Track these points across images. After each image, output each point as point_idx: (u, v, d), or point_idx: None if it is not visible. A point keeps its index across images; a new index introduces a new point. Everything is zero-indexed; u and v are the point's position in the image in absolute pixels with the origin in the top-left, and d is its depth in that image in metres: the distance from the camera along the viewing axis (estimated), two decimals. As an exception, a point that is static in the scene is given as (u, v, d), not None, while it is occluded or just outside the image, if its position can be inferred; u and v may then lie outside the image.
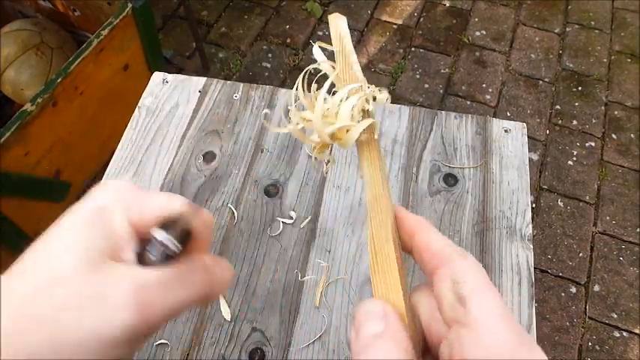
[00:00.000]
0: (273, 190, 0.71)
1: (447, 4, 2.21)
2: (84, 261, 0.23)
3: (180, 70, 1.82)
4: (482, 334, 0.20)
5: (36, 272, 0.24)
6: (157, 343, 0.59)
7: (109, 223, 0.25)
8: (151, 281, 0.23)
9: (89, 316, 0.22)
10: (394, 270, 0.24)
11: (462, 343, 0.21)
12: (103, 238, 0.25)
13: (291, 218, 0.69)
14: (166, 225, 0.25)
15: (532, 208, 1.57)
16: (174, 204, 0.26)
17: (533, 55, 2.06)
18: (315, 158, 0.30)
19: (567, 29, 2.16)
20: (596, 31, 2.15)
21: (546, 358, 0.21)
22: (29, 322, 0.22)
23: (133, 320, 0.22)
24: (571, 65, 2.04)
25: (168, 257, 0.25)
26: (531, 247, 0.67)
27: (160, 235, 0.25)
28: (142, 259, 0.25)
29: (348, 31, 0.32)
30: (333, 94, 0.30)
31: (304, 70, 0.30)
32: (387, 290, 0.24)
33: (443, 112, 0.79)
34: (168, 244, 0.25)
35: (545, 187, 1.72)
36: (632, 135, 1.85)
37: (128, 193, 0.27)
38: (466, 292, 0.21)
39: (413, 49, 2.05)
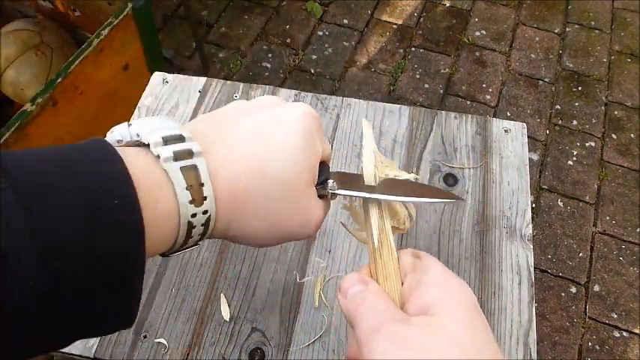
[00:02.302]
0: (273, 190, 0.71)
1: (447, 4, 2.21)
2: (304, 176, 0.32)
3: (180, 70, 1.82)
4: (429, 269, 0.31)
5: (270, 170, 0.31)
6: (157, 342, 0.59)
7: (317, 148, 0.34)
8: (325, 212, 0.36)
9: (297, 224, 0.33)
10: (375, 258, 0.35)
11: (417, 276, 0.31)
12: (314, 162, 0.33)
13: None
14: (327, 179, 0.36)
15: (532, 208, 1.57)
16: (330, 153, 0.38)
17: (533, 55, 2.06)
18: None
19: (567, 29, 2.16)
20: (596, 31, 2.15)
21: (472, 294, 0.29)
22: (260, 215, 0.31)
23: (312, 233, 0.35)
24: (571, 65, 2.04)
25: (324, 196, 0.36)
26: (531, 247, 0.67)
27: (331, 184, 0.36)
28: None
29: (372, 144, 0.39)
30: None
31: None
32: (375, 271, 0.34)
33: (443, 112, 0.79)
34: (335, 191, 0.36)
35: (545, 187, 1.72)
36: (632, 135, 1.85)
37: (320, 126, 0.35)
38: (421, 254, 0.33)
39: (413, 49, 2.05)
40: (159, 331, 0.60)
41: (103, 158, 0.25)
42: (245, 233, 0.32)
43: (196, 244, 0.30)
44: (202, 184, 0.27)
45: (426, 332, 0.26)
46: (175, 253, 0.30)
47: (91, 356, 0.58)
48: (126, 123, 0.29)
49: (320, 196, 0.35)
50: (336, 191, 0.35)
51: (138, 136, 0.28)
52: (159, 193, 0.26)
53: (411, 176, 0.37)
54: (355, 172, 0.38)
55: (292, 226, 0.33)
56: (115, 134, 0.29)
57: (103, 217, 0.23)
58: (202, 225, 0.28)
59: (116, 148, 0.26)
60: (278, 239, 0.33)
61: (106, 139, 0.28)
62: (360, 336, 0.28)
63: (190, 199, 0.27)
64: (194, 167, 0.27)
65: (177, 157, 0.27)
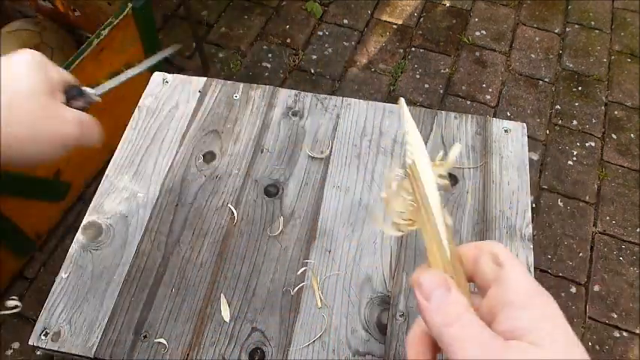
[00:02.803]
0: (273, 190, 0.71)
1: (447, 4, 2.21)
2: (44, 89, 0.43)
3: (180, 70, 1.82)
4: (512, 284, 0.28)
5: (11, 87, 0.42)
6: (157, 342, 0.59)
7: (49, 72, 0.45)
8: (85, 117, 0.47)
9: (56, 124, 0.44)
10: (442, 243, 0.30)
11: (500, 291, 0.28)
12: (49, 80, 0.44)
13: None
14: (82, 88, 0.49)
15: (532, 208, 1.57)
16: (76, 80, 0.51)
17: (533, 55, 2.06)
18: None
19: (567, 29, 2.16)
20: (596, 31, 2.15)
21: (556, 304, 0.27)
22: (17, 121, 0.41)
23: (77, 135, 0.45)
24: (571, 65, 2.04)
25: (85, 108, 0.48)
26: (531, 247, 0.67)
27: (89, 91, 0.49)
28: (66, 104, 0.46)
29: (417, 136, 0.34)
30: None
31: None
32: (440, 260, 0.30)
33: (443, 112, 0.79)
34: (94, 97, 0.50)
35: (545, 187, 1.72)
36: (632, 135, 1.85)
37: (48, 61, 0.46)
38: (502, 259, 0.29)
39: (413, 49, 2.05)
40: (159, 331, 0.60)
41: None
42: (16, 147, 0.41)
43: None
44: None
45: (527, 357, 0.25)
46: None
47: (91, 356, 0.58)
48: None
49: (82, 109, 0.48)
50: (86, 89, 0.49)
51: None
52: None
53: (457, 148, 0.34)
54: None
55: (53, 128, 0.43)
56: None
57: None
58: None
59: None
60: (50, 145, 0.43)
61: None
62: None
63: None
64: None
65: None
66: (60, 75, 0.47)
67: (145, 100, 0.80)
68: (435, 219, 0.31)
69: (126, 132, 0.77)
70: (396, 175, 0.34)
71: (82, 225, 0.68)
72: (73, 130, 0.44)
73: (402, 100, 0.36)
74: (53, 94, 0.44)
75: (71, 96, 0.47)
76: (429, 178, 0.32)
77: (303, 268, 0.65)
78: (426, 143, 0.76)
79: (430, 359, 0.31)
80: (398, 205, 0.33)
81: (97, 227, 0.67)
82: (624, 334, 1.46)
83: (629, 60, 2.06)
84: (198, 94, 0.81)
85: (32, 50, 0.45)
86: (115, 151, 0.75)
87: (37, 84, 0.42)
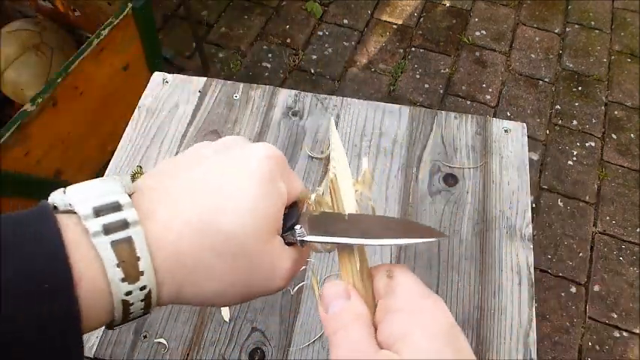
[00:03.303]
0: (273, 190, 0.71)
1: (447, 4, 2.21)
2: (265, 227, 0.29)
3: (180, 70, 1.82)
4: (397, 291, 0.28)
5: (225, 222, 0.28)
6: (157, 342, 0.59)
7: (281, 192, 0.30)
8: (294, 261, 0.32)
9: (260, 278, 0.30)
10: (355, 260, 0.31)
11: (385, 300, 0.28)
12: (277, 209, 0.30)
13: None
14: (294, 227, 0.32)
15: (532, 208, 1.57)
16: (304, 191, 0.34)
17: (533, 55, 2.06)
18: None
19: (567, 29, 2.16)
20: (596, 31, 2.15)
21: (440, 308, 0.27)
22: (216, 276, 0.28)
23: (282, 286, 0.32)
24: (571, 65, 2.04)
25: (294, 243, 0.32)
26: (531, 247, 0.67)
27: (299, 231, 0.31)
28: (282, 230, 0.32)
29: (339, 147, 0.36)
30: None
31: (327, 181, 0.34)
32: (349, 275, 0.31)
33: (443, 112, 0.79)
34: (304, 238, 0.31)
35: (545, 187, 1.72)
36: (632, 135, 1.85)
37: (285, 165, 0.33)
38: (395, 272, 0.30)
39: (413, 49, 2.05)
40: (159, 331, 0.60)
41: (39, 235, 0.24)
42: (202, 297, 0.29)
43: (146, 314, 0.28)
44: (139, 258, 0.25)
45: None
46: (121, 325, 0.27)
47: (91, 356, 0.58)
48: (62, 189, 0.27)
49: (289, 244, 0.31)
50: (305, 238, 0.31)
51: (70, 205, 0.25)
52: (84, 270, 0.24)
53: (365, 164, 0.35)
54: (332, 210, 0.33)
55: (255, 284, 0.30)
56: (53, 199, 0.27)
57: (34, 298, 0.23)
58: (142, 300, 0.26)
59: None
60: (243, 298, 0.30)
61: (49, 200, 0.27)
62: None
63: (122, 276, 0.25)
64: (128, 240, 0.25)
65: (109, 229, 0.25)
66: (289, 191, 0.32)
67: (145, 100, 0.80)
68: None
69: (126, 132, 0.77)
70: (316, 189, 0.35)
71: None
72: (278, 286, 0.31)
73: (331, 119, 0.38)
74: (277, 227, 0.31)
75: (287, 227, 0.32)
76: (348, 194, 0.33)
77: (303, 267, 0.65)
78: (425, 143, 0.76)
79: None
80: None
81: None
82: (624, 334, 1.46)
83: (629, 60, 2.06)
84: (198, 94, 0.81)
85: (273, 148, 0.31)
86: (115, 151, 0.75)
87: (260, 220, 0.29)
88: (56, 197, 0.26)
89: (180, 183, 0.29)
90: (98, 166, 1.54)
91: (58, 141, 1.33)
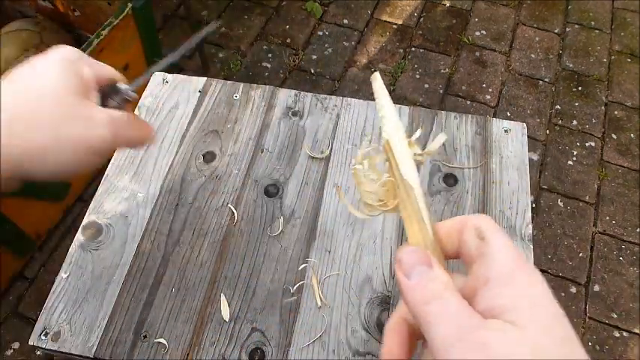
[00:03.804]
0: (273, 190, 0.71)
1: (447, 4, 2.21)
2: (71, 89, 0.38)
3: (180, 70, 1.82)
4: (495, 259, 0.27)
5: (34, 89, 0.37)
6: (157, 342, 0.59)
7: (80, 70, 0.40)
8: (118, 116, 0.40)
9: (81, 127, 0.38)
10: (422, 218, 0.29)
11: (482, 268, 0.27)
12: (79, 79, 0.39)
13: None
14: (116, 85, 0.42)
15: (532, 208, 1.57)
16: (118, 74, 0.44)
17: (533, 55, 2.06)
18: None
19: (567, 29, 2.16)
20: (596, 31, 2.15)
21: (541, 280, 0.26)
22: (37, 125, 0.36)
23: (108, 137, 0.39)
24: (571, 65, 2.04)
25: (120, 107, 0.42)
26: (531, 247, 0.67)
27: (124, 87, 0.42)
28: (102, 104, 0.41)
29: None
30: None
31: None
32: (420, 236, 0.29)
33: (443, 112, 0.79)
34: (129, 94, 0.42)
35: (545, 187, 1.72)
36: (632, 135, 1.85)
37: (86, 57, 0.42)
38: (486, 233, 0.28)
39: (413, 49, 2.05)
40: (159, 331, 0.60)
41: None
42: (37, 155, 0.36)
43: None
44: None
45: (507, 340, 0.24)
46: None
47: (91, 356, 0.58)
48: None
49: (117, 108, 0.41)
50: (120, 85, 0.41)
51: None
52: None
53: (442, 137, 0.33)
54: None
55: (79, 132, 0.37)
56: None
57: None
58: None
59: None
60: (76, 152, 0.38)
61: None
62: (434, 341, 0.25)
63: None
64: None
65: None
66: (95, 71, 0.41)
67: (145, 100, 0.80)
68: (415, 195, 0.29)
69: (126, 132, 0.76)
70: (366, 152, 0.33)
71: (81, 225, 0.68)
72: (102, 132, 0.38)
73: (376, 73, 0.34)
74: (85, 94, 0.39)
75: (106, 94, 0.41)
76: (405, 155, 0.31)
77: (304, 265, 0.65)
78: (425, 143, 0.76)
79: (407, 351, 0.30)
80: (369, 186, 0.31)
81: (96, 227, 0.67)
82: (624, 334, 1.46)
83: (629, 60, 2.06)
84: (198, 94, 0.81)
85: (68, 47, 0.41)
86: (114, 151, 0.75)
87: (62, 83, 0.38)
88: None
89: (10, 76, 0.38)
90: (98, 166, 1.53)
91: (58, 141, 1.33)
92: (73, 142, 0.37)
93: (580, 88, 1.97)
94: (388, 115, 0.32)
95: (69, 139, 0.37)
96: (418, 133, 0.33)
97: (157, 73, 0.83)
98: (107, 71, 0.43)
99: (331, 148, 0.75)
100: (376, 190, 0.31)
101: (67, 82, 0.38)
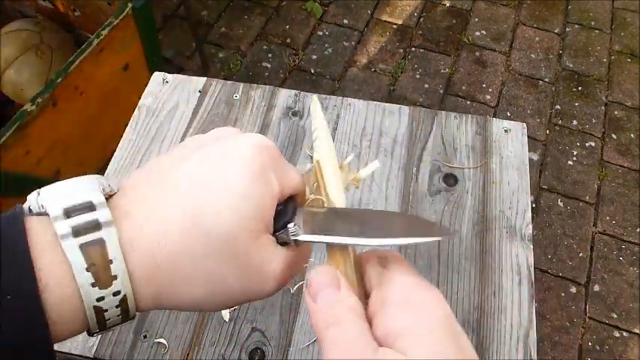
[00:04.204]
0: (273, 190, 0.71)
1: (447, 4, 2.21)
2: (250, 222, 0.26)
3: (180, 70, 1.82)
4: (393, 283, 0.26)
5: (207, 214, 0.26)
6: (157, 342, 0.59)
7: (268, 184, 0.28)
8: (288, 263, 0.29)
9: (248, 281, 0.27)
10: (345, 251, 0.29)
11: (381, 292, 0.26)
12: (263, 202, 0.27)
13: None
14: (287, 201, 0.30)
15: (532, 208, 1.57)
16: (302, 185, 0.32)
17: (533, 55, 2.06)
18: None
19: (567, 29, 2.16)
20: (596, 31, 2.15)
21: (439, 300, 0.26)
22: (195, 278, 0.26)
23: (273, 290, 0.29)
24: (571, 65, 2.04)
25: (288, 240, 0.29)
26: (531, 247, 0.67)
27: (292, 229, 0.29)
28: (274, 229, 0.29)
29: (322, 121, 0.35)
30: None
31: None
32: (338, 261, 0.28)
33: (443, 112, 0.79)
34: (298, 237, 0.29)
35: (545, 187, 1.72)
36: (632, 135, 1.85)
37: (278, 158, 0.30)
38: (389, 263, 0.28)
39: (413, 49, 2.05)
40: (159, 331, 0.60)
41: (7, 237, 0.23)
42: (186, 303, 0.27)
43: (130, 319, 0.26)
44: (111, 261, 0.24)
45: None
46: (102, 332, 0.26)
47: (91, 356, 0.58)
48: (38, 190, 0.25)
49: (284, 244, 0.29)
50: (299, 237, 0.28)
51: (43, 207, 0.24)
52: (51, 276, 0.23)
53: (374, 165, 0.33)
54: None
55: (242, 288, 0.27)
56: (29, 201, 0.25)
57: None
58: (117, 307, 0.24)
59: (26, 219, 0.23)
60: (229, 303, 0.28)
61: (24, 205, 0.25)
62: None
63: (92, 281, 0.23)
64: (99, 242, 0.23)
65: (79, 231, 0.23)
66: (280, 183, 0.29)
67: (145, 100, 0.80)
68: None
69: (126, 132, 0.77)
70: (306, 170, 0.33)
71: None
72: (266, 289, 0.28)
73: (315, 97, 0.36)
74: (264, 224, 0.28)
75: (281, 224, 0.29)
76: (334, 178, 0.31)
77: (305, 265, 0.65)
78: (425, 143, 0.76)
79: None
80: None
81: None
82: (624, 334, 1.46)
83: (629, 60, 2.06)
84: (198, 94, 0.81)
85: (263, 142, 0.29)
86: (115, 151, 0.75)
87: (243, 213, 0.26)
88: (32, 198, 0.25)
89: (163, 180, 0.27)
90: (98, 166, 1.54)
91: (58, 141, 1.33)
92: (232, 299, 0.28)
93: (580, 88, 1.97)
94: (322, 136, 0.33)
95: (229, 297, 0.28)
96: (351, 157, 0.34)
97: (156, 73, 0.83)
98: (293, 183, 0.30)
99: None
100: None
101: (248, 216, 0.26)
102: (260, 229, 0.27)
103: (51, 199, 0.24)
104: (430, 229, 0.30)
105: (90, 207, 0.24)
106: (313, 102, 0.36)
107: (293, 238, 0.29)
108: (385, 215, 0.33)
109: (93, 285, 0.23)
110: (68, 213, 0.23)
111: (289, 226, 0.29)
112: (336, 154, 0.33)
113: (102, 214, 0.24)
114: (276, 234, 0.29)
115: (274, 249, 0.28)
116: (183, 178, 0.27)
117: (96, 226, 0.24)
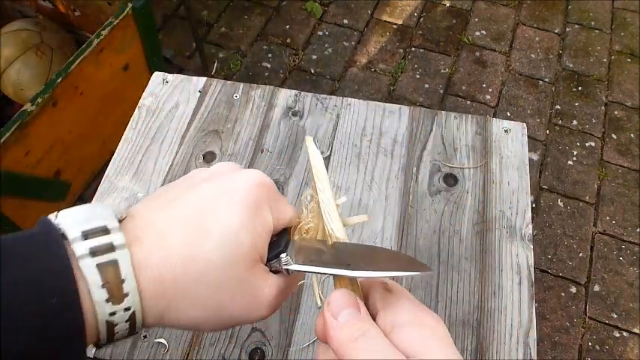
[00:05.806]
0: (273, 190, 0.71)
1: (447, 4, 2.21)
2: (245, 254, 0.29)
3: (180, 70, 1.82)
4: (401, 305, 0.29)
5: (212, 254, 0.29)
6: (157, 341, 0.59)
7: (263, 219, 0.31)
8: (280, 289, 0.32)
9: (244, 305, 0.30)
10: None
11: (390, 314, 0.28)
12: (257, 236, 0.30)
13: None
14: (281, 233, 0.33)
15: (532, 208, 1.57)
16: (295, 218, 0.35)
17: (533, 55, 2.06)
18: None
19: (567, 29, 2.16)
20: (596, 31, 2.15)
21: (440, 320, 0.28)
22: (195, 302, 0.29)
23: (267, 313, 0.32)
24: (571, 65, 2.04)
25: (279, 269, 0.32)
26: (531, 247, 0.67)
27: (284, 259, 0.31)
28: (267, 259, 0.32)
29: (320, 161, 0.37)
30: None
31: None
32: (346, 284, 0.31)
33: (443, 112, 0.79)
34: (290, 267, 0.31)
35: (545, 187, 1.72)
36: (632, 135, 1.85)
37: (274, 194, 0.33)
38: (391, 286, 0.30)
39: (413, 49, 2.05)
40: (159, 331, 0.60)
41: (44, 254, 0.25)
42: (185, 323, 0.29)
43: (134, 334, 0.28)
44: (123, 280, 0.26)
45: None
46: (108, 344, 0.28)
47: (91, 356, 0.58)
48: (55, 213, 0.28)
49: (276, 271, 0.32)
50: (291, 267, 0.31)
51: (60, 230, 0.26)
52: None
53: (363, 217, 0.36)
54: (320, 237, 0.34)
55: (238, 312, 0.30)
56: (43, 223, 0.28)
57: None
58: (126, 321, 0.27)
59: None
60: (226, 325, 0.31)
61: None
62: None
63: (107, 297, 0.25)
64: (114, 262, 0.26)
65: (96, 252, 0.26)
66: (275, 216, 0.32)
67: (145, 100, 0.80)
68: None
69: (126, 132, 0.77)
70: (306, 197, 0.36)
71: (82, 225, 0.68)
72: (259, 315, 0.32)
73: (309, 137, 0.38)
74: (258, 255, 0.31)
75: (274, 254, 0.32)
76: (334, 213, 0.34)
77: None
78: (425, 143, 0.76)
79: None
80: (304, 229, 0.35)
81: (97, 227, 0.67)
82: (624, 334, 1.46)
83: (629, 60, 2.06)
84: (198, 94, 0.81)
85: (260, 178, 0.33)
86: (115, 151, 0.75)
87: (236, 248, 0.29)
88: (49, 220, 0.27)
89: (169, 210, 0.30)
90: (98, 166, 1.54)
91: (58, 141, 1.34)
92: (229, 321, 0.31)
93: (580, 88, 1.97)
94: (321, 177, 0.36)
95: (226, 319, 0.30)
96: (343, 198, 0.37)
97: (156, 72, 0.83)
98: (287, 217, 0.34)
99: (331, 148, 0.75)
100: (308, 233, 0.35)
101: (243, 247, 0.29)
102: (255, 258, 0.30)
103: (70, 222, 0.26)
104: (411, 265, 0.33)
105: (105, 231, 0.26)
106: (308, 141, 0.38)
107: (285, 267, 0.31)
108: (372, 250, 0.35)
109: (107, 300, 0.26)
110: (86, 235, 0.26)
111: (282, 256, 0.31)
112: (332, 191, 0.36)
113: (116, 238, 0.27)
114: (270, 263, 0.32)
115: (267, 277, 0.31)
116: (184, 208, 0.30)
117: (110, 247, 0.26)
